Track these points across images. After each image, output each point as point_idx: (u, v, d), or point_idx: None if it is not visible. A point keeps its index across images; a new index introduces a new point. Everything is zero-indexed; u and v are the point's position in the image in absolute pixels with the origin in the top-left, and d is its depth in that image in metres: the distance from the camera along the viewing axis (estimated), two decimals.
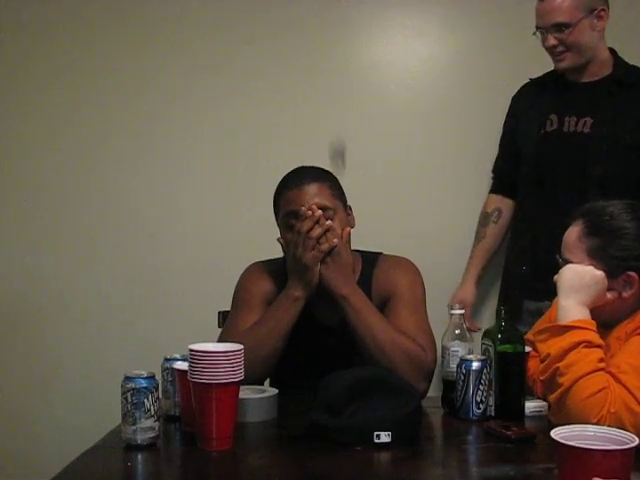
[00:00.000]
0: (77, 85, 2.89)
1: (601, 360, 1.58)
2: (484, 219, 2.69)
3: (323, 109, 2.87)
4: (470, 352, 1.80)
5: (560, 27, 2.35)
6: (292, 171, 1.99)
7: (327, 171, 2.01)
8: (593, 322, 1.64)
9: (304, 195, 1.89)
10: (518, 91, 2.65)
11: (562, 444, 1.18)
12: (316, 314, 1.98)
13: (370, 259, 2.04)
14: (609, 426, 1.40)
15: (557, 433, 1.22)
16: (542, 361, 1.65)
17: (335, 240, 1.86)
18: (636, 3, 2.76)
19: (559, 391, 1.57)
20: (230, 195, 2.86)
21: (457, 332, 1.84)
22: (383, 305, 1.95)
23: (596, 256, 1.68)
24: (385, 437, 1.51)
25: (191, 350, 1.53)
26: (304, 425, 1.59)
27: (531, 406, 1.75)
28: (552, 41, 2.37)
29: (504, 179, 2.66)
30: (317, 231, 1.84)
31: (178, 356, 1.73)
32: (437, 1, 2.85)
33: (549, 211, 2.45)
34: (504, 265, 2.65)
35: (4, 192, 2.92)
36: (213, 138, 2.89)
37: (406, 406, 1.56)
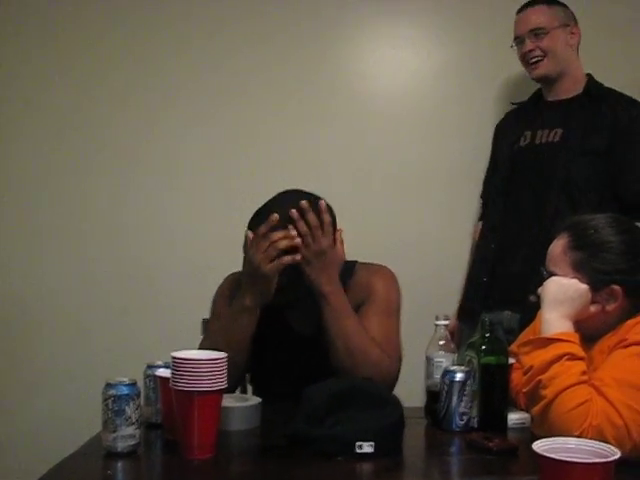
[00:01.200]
0: (74, 87, 2.90)
1: (584, 373, 1.59)
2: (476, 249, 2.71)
3: (312, 119, 2.88)
4: (454, 363, 1.80)
5: (537, 32, 2.50)
6: (274, 197, 1.89)
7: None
8: (576, 335, 1.65)
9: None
10: (501, 119, 2.74)
11: (544, 456, 1.18)
12: (293, 324, 1.98)
13: (346, 267, 1.97)
14: (591, 439, 1.40)
15: (539, 446, 1.22)
16: (525, 373, 1.65)
17: (299, 257, 1.78)
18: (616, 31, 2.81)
19: (542, 404, 1.58)
20: (219, 202, 2.86)
21: (441, 343, 1.84)
22: (357, 307, 1.92)
23: (581, 269, 1.69)
24: (367, 447, 1.50)
25: (174, 357, 1.52)
26: (287, 434, 1.58)
27: (514, 418, 1.75)
28: (530, 46, 2.51)
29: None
30: (283, 243, 1.77)
31: (161, 363, 1.72)
32: (426, 13, 2.87)
33: (513, 219, 2.52)
34: (466, 275, 2.69)
35: (2, 193, 2.91)
36: (206, 144, 2.90)
37: (389, 416, 1.56)
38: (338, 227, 1.88)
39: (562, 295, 1.68)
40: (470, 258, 2.73)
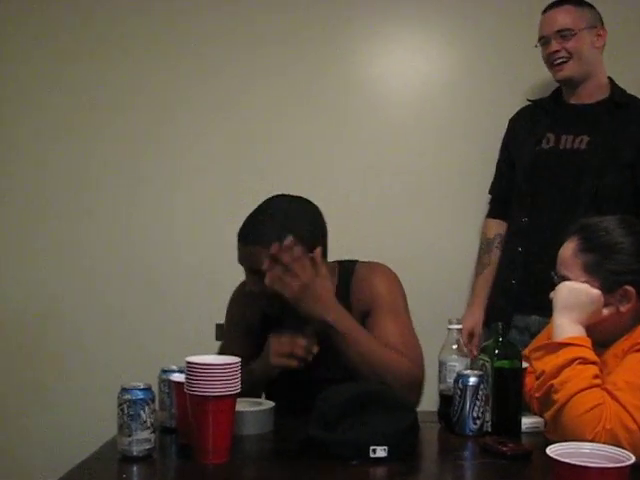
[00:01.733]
0: (76, 89, 2.90)
1: (596, 377, 1.58)
2: (487, 245, 2.68)
3: (323, 123, 2.88)
4: (467, 367, 1.80)
5: (564, 33, 2.44)
6: (250, 215, 1.90)
7: (288, 228, 1.81)
8: (588, 339, 1.64)
9: (246, 256, 1.84)
10: (516, 113, 2.68)
11: (558, 461, 1.18)
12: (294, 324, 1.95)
13: (347, 267, 1.99)
14: (604, 443, 1.40)
15: (553, 450, 1.22)
16: (537, 378, 1.65)
17: (309, 357, 1.81)
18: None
19: (554, 408, 1.57)
20: (230, 206, 2.86)
21: (454, 347, 1.84)
22: (364, 314, 1.91)
23: (592, 272, 1.68)
24: (381, 452, 1.51)
25: (188, 362, 1.53)
26: (300, 439, 1.59)
27: (528, 422, 1.74)
28: (555, 46, 2.45)
29: (502, 203, 2.67)
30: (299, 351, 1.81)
31: (175, 368, 1.73)
32: (438, 16, 2.87)
33: (541, 225, 2.47)
34: (494, 279, 2.66)
35: (4, 199, 2.92)
36: (214, 147, 2.90)
37: (403, 421, 1.56)
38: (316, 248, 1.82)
39: (573, 300, 1.68)
40: (484, 258, 2.67)
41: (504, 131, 2.69)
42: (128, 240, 2.89)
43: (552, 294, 1.73)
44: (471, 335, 2.62)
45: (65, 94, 2.91)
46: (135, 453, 1.52)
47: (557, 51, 2.46)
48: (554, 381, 1.58)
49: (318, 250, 1.81)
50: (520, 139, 2.60)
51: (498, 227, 2.68)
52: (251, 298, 1.93)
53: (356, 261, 2.02)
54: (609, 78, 2.55)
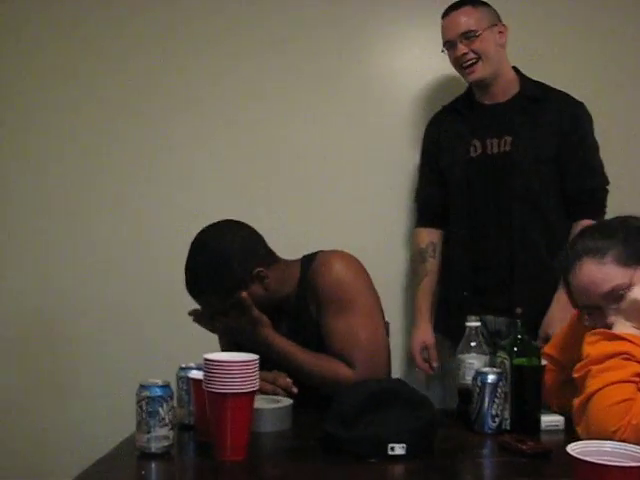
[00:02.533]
0: (81, 90, 2.92)
1: (636, 375, 1.56)
2: (420, 255, 2.67)
3: (337, 118, 2.88)
4: (486, 365, 1.79)
5: (468, 34, 2.48)
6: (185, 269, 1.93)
7: (215, 267, 1.88)
8: None
9: (200, 306, 1.95)
10: (432, 120, 2.71)
11: (579, 459, 1.17)
12: None
13: (308, 260, 1.99)
14: (627, 438, 1.40)
15: (573, 448, 1.21)
16: (581, 360, 1.62)
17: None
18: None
19: (585, 393, 1.56)
20: (244, 202, 2.87)
21: (473, 344, 1.83)
22: (318, 307, 1.93)
23: (625, 260, 1.63)
24: (399, 449, 1.50)
25: (206, 359, 1.53)
26: (318, 436, 1.59)
27: (547, 420, 1.73)
28: (463, 49, 2.48)
29: (431, 210, 2.68)
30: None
31: (193, 365, 1.73)
32: None
33: (482, 233, 2.51)
34: (440, 294, 2.66)
35: (14, 202, 2.94)
36: (223, 146, 2.91)
37: (421, 418, 1.56)
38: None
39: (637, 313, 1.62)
40: (420, 269, 2.66)
41: None
42: (146, 240, 2.90)
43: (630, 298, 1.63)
44: (425, 349, 2.63)
45: (71, 93, 2.91)
46: (153, 450, 1.52)
47: (465, 53, 2.48)
48: (594, 367, 1.57)
49: (244, 294, 1.86)
50: (445, 148, 2.61)
51: (430, 235, 2.67)
52: None
53: (318, 252, 2.00)
54: (515, 70, 2.58)
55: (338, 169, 2.89)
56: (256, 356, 1.55)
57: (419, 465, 1.50)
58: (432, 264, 2.66)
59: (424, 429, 1.55)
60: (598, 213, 2.48)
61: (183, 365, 1.75)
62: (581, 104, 2.53)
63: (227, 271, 1.89)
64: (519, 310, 2.23)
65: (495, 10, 2.55)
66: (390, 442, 1.50)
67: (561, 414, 1.75)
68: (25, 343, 2.91)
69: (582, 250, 1.68)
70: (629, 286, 1.62)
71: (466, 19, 2.49)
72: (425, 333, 2.64)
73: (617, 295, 1.63)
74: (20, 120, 2.94)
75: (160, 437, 1.52)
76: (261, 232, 2.67)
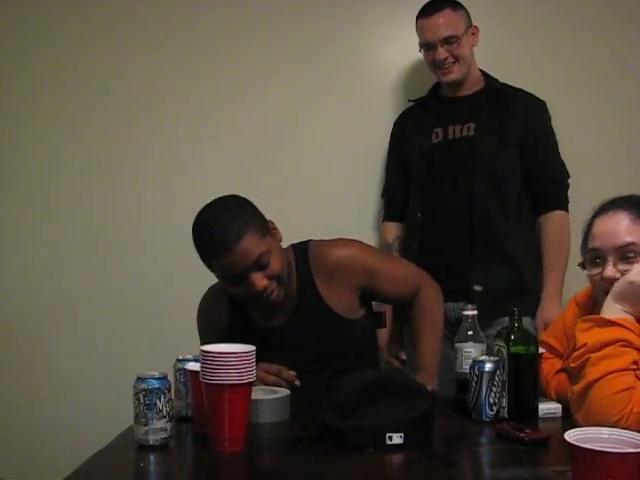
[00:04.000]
0: (84, 86, 2.90)
1: (634, 362, 1.57)
2: (387, 250, 2.66)
3: (334, 110, 2.88)
4: (483, 353, 1.79)
5: (450, 40, 2.48)
6: (207, 229, 1.88)
7: (247, 214, 1.90)
8: (637, 325, 1.62)
9: (240, 257, 1.84)
10: (399, 116, 2.73)
11: (576, 446, 1.17)
12: (257, 320, 2.04)
13: (301, 247, 2.06)
14: (629, 426, 1.41)
15: (571, 435, 1.21)
16: (577, 349, 1.63)
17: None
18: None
19: (585, 381, 1.56)
20: (246, 195, 2.86)
21: (470, 333, 1.83)
22: (364, 289, 2.04)
23: None
24: (397, 439, 1.51)
25: (203, 351, 1.53)
26: (316, 426, 1.59)
27: (544, 408, 1.74)
28: (444, 54, 2.49)
29: (397, 205, 2.68)
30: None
31: (190, 357, 1.73)
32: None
33: (436, 216, 2.51)
34: None
35: (11, 195, 2.93)
36: (226, 140, 2.89)
37: (418, 407, 1.56)
38: None
39: (633, 295, 1.63)
40: None
41: None
42: (141, 233, 2.89)
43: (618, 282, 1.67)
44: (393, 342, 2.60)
45: (72, 90, 2.90)
46: (151, 442, 1.52)
47: (445, 58, 2.50)
48: (593, 355, 1.57)
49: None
50: (408, 139, 2.64)
51: (396, 230, 2.68)
52: (219, 306, 2.06)
53: (308, 241, 2.07)
54: (480, 70, 2.62)
55: (336, 162, 2.89)
56: (252, 347, 1.55)
57: (417, 454, 1.51)
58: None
59: (422, 418, 1.55)
60: (566, 204, 2.53)
61: (180, 357, 1.76)
62: (543, 102, 2.58)
63: (257, 211, 1.93)
64: (478, 288, 2.28)
65: (467, 11, 2.57)
66: (388, 432, 1.50)
67: (558, 401, 1.75)
68: (20, 339, 2.91)
69: (622, 204, 1.72)
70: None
71: (448, 24, 2.49)
72: (391, 329, 2.58)
73: (626, 253, 1.67)
74: (19, 119, 2.92)
75: (158, 429, 1.53)
76: None
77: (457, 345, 1.84)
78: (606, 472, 1.14)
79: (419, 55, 2.63)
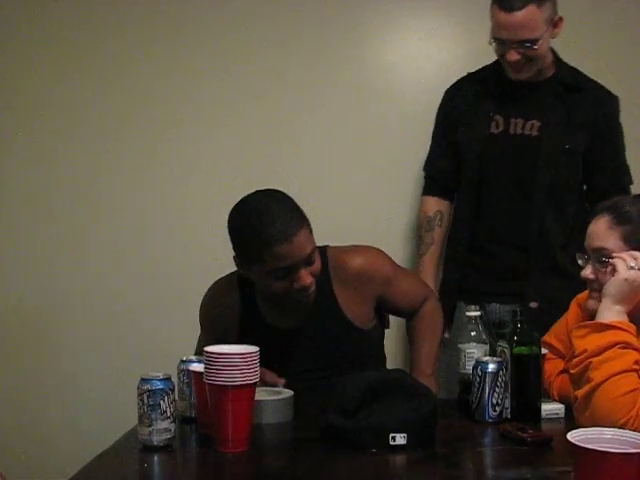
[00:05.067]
0: (86, 85, 2.89)
1: (636, 363, 1.57)
2: (427, 224, 2.57)
3: (337, 111, 2.88)
4: (486, 354, 1.79)
5: (526, 44, 2.25)
6: (264, 214, 1.84)
7: (299, 209, 1.89)
8: (633, 326, 1.63)
9: (297, 249, 1.81)
10: (454, 85, 2.54)
11: (579, 447, 1.17)
12: (269, 320, 2.00)
13: (321, 251, 1.98)
14: (636, 428, 1.40)
15: (574, 436, 1.21)
16: (576, 356, 1.63)
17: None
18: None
19: (588, 386, 1.55)
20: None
21: (473, 334, 1.83)
22: (379, 298, 2.04)
23: (632, 241, 1.68)
24: (401, 439, 1.51)
25: (207, 352, 1.53)
26: (320, 427, 1.59)
27: (547, 409, 1.74)
28: (516, 56, 2.27)
29: (441, 180, 2.57)
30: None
31: (194, 358, 1.74)
32: (451, 3, 2.84)
33: (489, 215, 2.42)
34: (443, 273, 2.57)
35: (13, 198, 2.92)
36: (227, 140, 2.89)
37: (422, 408, 1.56)
38: None
39: (628, 291, 1.65)
40: (427, 237, 2.56)
41: None
42: (145, 233, 2.89)
43: (608, 282, 1.68)
44: None
45: (75, 89, 2.89)
46: (155, 443, 1.53)
47: (517, 60, 2.28)
48: (594, 359, 1.57)
49: None
50: (465, 120, 2.46)
51: (437, 204, 2.57)
52: (229, 301, 2.02)
53: (325, 247, 2.03)
54: (553, 53, 2.40)
55: (338, 163, 2.89)
56: (256, 348, 1.55)
57: (420, 455, 1.51)
58: (438, 233, 2.56)
59: (425, 419, 1.56)
60: None
61: (184, 358, 1.76)
62: (615, 98, 2.40)
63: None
64: (534, 305, 2.21)
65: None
66: (391, 432, 1.51)
67: (561, 402, 1.76)
68: (22, 340, 2.91)
69: (609, 207, 1.75)
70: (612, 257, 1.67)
71: (528, 25, 2.21)
72: None
73: (600, 257, 1.71)
74: (18, 118, 2.92)
75: (162, 430, 1.53)
76: None
77: (460, 346, 1.84)
78: (608, 472, 1.15)
79: (422, 54, 2.62)
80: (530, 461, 1.48)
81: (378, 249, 2.08)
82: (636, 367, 1.56)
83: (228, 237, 2.79)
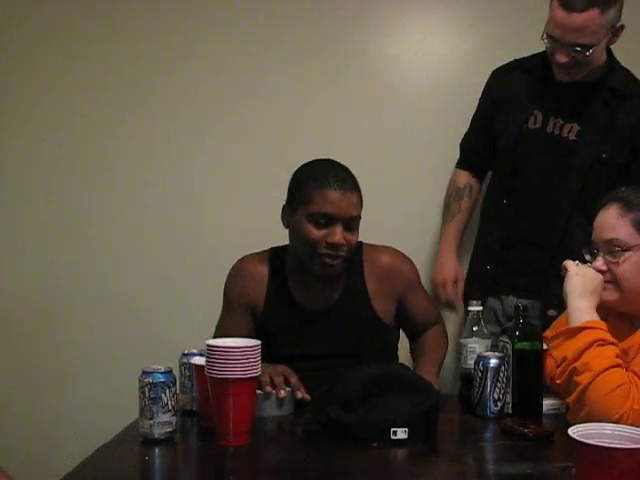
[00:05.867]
0: (88, 82, 2.88)
1: (617, 356, 1.58)
2: (456, 194, 2.57)
3: (340, 105, 2.87)
4: (488, 349, 1.79)
5: (579, 50, 2.12)
6: (328, 166, 2.00)
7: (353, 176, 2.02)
8: (604, 323, 1.65)
9: (345, 203, 1.91)
10: (502, 69, 2.47)
11: (580, 442, 1.18)
12: (297, 297, 2.04)
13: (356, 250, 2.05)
14: (632, 423, 1.41)
15: (575, 431, 1.21)
16: (558, 366, 1.64)
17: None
18: None
19: (578, 390, 1.56)
20: (247, 191, 2.86)
21: (475, 329, 1.84)
22: (399, 298, 2.10)
23: (638, 222, 1.69)
24: (402, 433, 1.51)
25: (208, 345, 1.53)
26: (321, 421, 1.59)
27: (549, 404, 1.74)
28: (565, 59, 2.16)
29: (473, 157, 2.56)
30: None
31: (195, 351, 1.74)
32: None
33: (522, 211, 2.38)
34: (469, 264, 2.57)
35: (13, 193, 2.92)
36: (232, 133, 2.88)
37: (423, 403, 1.56)
38: None
39: (590, 287, 1.70)
40: (454, 206, 2.58)
41: None
42: (145, 227, 2.88)
43: (566, 281, 1.73)
44: (455, 282, 2.53)
45: (78, 84, 2.88)
46: (157, 436, 1.53)
47: (566, 62, 2.17)
48: (576, 364, 1.58)
49: None
50: (505, 107, 2.41)
51: (468, 178, 2.57)
52: (258, 275, 2.06)
53: (361, 242, 2.08)
54: (608, 54, 2.28)
55: (340, 156, 2.87)
56: (258, 341, 1.56)
57: (421, 449, 1.51)
58: (467, 203, 2.56)
59: (426, 413, 1.56)
60: None
61: (185, 351, 1.76)
62: None
63: None
64: (552, 312, 2.19)
65: (621, 3, 2.14)
66: (392, 426, 1.51)
67: (562, 398, 1.75)
68: (21, 336, 2.90)
69: (616, 196, 1.75)
70: (627, 249, 1.68)
71: (586, 30, 2.08)
72: (456, 266, 2.54)
73: (611, 248, 1.71)
74: (18, 118, 2.91)
75: (163, 423, 1.53)
76: (270, 224, 2.72)
77: (461, 341, 1.85)
78: (610, 468, 1.15)
79: (426, 49, 2.61)
80: (531, 456, 1.48)
81: (408, 257, 2.15)
82: (619, 361, 1.57)
83: (229, 233, 2.82)
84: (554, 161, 2.33)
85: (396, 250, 2.14)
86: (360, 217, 1.97)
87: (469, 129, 2.60)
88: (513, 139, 2.37)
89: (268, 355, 1.69)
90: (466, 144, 2.61)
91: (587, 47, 2.11)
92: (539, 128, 2.33)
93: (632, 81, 2.31)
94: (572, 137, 2.29)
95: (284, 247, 2.09)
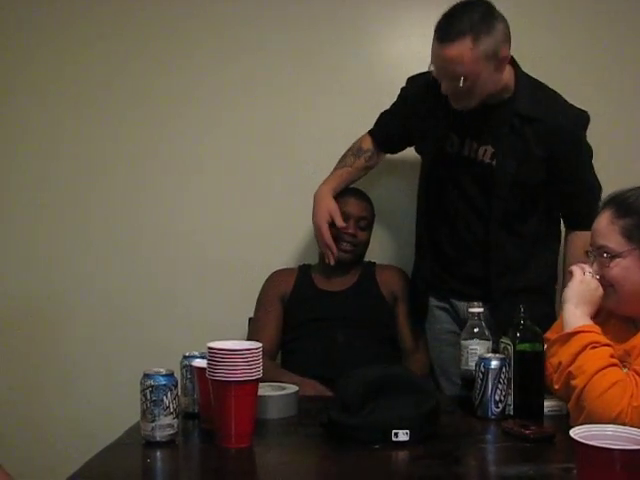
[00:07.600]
0: (86, 85, 2.87)
1: (612, 356, 1.59)
2: (357, 151, 2.53)
3: (340, 108, 2.86)
4: (489, 351, 1.80)
5: (457, 78, 2.05)
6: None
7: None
8: (597, 326, 1.67)
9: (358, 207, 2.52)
10: (421, 75, 2.33)
11: (581, 444, 1.18)
12: (320, 285, 2.51)
13: (369, 268, 2.57)
14: (631, 421, 1.41)
15: (576, 433, 1.21)
16: (555, 372, 1.64)
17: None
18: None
19: (575, 394, 1.57)
20: (249, 193, 2.86)
21: (476, 330, 1.84)
22: (394, 297, 2.51)
23: (632, 234, 1.69)
24: (403, 435, 1.51)
25: (210, 348, 1.53)
26: (323, 423, 1.59)
27: (550, 405, 1.74)
28: (447, 89, 2.11)
29: (384, 136, 2.53)
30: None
31: (197, 354, 1.74)
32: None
33: (447, 240, 2.37)
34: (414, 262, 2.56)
35: (13, 195, 2.92)
36: (228, 137, 2.88)
37: (424, 404, 1.56)
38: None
39: (588, 294, 1.71)
40: (349, 159, 2.55)
41: None
42: (147, 230, 2.88)
43: (567, 288, 1.75)
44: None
45: (75, 89, 2.87)
46: (158, 438, 1.53)
47: (447, 91, 2.13)
48: (570, 368, 1.60)
49: None
50: (422, 123, 2.36)
51: (374, 146, 2.54)
52: (288, 274, 2.55)
53: (374, 263, 2.60)
54: (515, 71, 2.21)
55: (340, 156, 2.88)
56: (259, 344, 1.56)
57: (423, 451, 1.51)
58: (361, 164, 2.53)
59: (427, 415, 1.56)
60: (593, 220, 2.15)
61: (187, 354, 1.76)
62: (578, 118, 2.23)
63: None
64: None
65: (505, 26, 2.10)
66: (394, 428, 1.51)
67: (563, 399, 1.75)
68: (23, 339, 2.90)
69: (611, 201, 1.76)
70: (615, 256, 1.69)
71: (456, 60, 2.03)
72: (330, 207, 2.45)
73: (602, 254, 1.72)
74: (18, 117, 2.92)
75: (165, 425, 1.53)
76: (267, 225, 2.74)
77: (463, 342, 1.85)
78: (611, 469, 1.15)
79: (427, 50, 2.61)
80: (532, 458, 1.48)
81: (409, 277, 2.56)
82: (614, 360, 1.58)
83: (233, 236, 2.83)
84: (474, 183, 2.29)
85: (400, 270, 2.58)
86: (369, 220, 2.53)
87: (389, 110, 2.54)
88: (432, 159, 2.35)
89: (293, 320, 2.43)
90: (382, 122, 2.56)
91: (463, 78, 2.04)
92: (457, 152, 2.28)
93: (540, 102, 2.23)
94: (487, 160, 2.24)
95: (309, 264, 2.61)
